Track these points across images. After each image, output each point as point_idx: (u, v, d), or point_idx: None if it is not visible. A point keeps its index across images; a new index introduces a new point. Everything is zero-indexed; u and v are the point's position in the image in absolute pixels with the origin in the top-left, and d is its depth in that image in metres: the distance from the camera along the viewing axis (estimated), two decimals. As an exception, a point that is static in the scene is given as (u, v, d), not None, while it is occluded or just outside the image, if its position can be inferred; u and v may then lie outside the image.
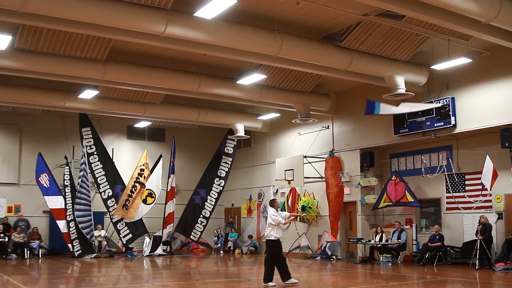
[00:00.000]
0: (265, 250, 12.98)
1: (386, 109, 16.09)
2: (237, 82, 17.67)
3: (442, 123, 17.32)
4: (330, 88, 20.86)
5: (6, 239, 21.99)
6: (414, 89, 17.26)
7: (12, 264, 19.66)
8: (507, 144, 16.05)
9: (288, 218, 13.79)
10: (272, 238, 12.89)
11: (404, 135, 18.72)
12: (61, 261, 20.81)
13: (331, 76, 17.21)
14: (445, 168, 18.30)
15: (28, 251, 22.20)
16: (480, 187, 17.11)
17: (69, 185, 21.99)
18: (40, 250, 22.55)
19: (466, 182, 17.96)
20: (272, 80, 18.44)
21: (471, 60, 15.74)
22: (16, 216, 23.35)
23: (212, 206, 25.37)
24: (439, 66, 16.36)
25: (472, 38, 14.86)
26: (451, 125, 17.13)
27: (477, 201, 17.55)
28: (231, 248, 25.96)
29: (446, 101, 17.23)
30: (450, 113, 17.10)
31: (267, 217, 13.20)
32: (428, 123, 17.72)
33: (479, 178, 16.73)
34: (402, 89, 16.21)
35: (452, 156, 18.34)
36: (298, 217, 22.90)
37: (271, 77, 18.20)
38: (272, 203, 13.46)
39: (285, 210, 23.62)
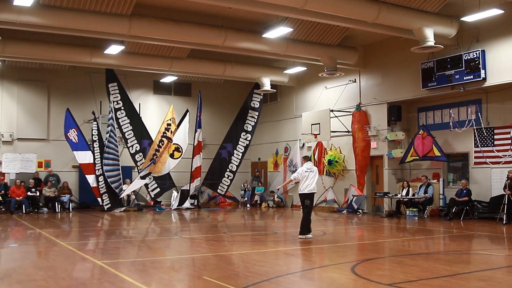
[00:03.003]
0: (307, 202, 12.98)
1: None
2: (263, 35, 17.47)
3: (472, 77, 16.98)
4: (357, 41, 20.55)
5: (38, 194, 22.52)
6: (444, 41, 16.89)
7: (44, 217, 20.13)
8: (538, 97, 15.74)
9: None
10: (315, 191, 13.16)
11: (433, 89, 18.44)
12: (91, 214, 21.25)
13: (358, 28, 16.93)
14: (473, 122, 18.05)
15: (59, 205, 22.69)
16: (510, 141, 16.89)
17: (97, 140, 22.24)
18: (70, 204, 23.07)
19: (495, 137, 17.70)
20: (299, 33, 18.22)
21: (503, 12, 15.28)
22: (46, 171, 23.81)
23: (239, 160, 25.49)
24: (469, 18, 15.91)
25: (504, -12, 14.42)
26: (481, 79, 16.79)
27: (505, 155, 17.33)
28: (258, 202, 26.19)
29: (476, 53, 16.85)
30: (480, 66, 16.74)
31: (311, 172, 13.12)
32: (457, 76, 17.40)
33: (509, 133, 16.51)
34: (431, 42, 15.90)
35: (481, 110, 18.04)
36: (325, 171, 23.04)
37: (298, 30, 17.97)
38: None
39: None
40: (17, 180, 22.10)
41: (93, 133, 22.38)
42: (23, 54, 19.45)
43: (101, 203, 22.29)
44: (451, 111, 18.90)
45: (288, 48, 18.77)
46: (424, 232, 14.87)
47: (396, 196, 19.51)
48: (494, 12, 15.16)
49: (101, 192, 22.14)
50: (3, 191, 21.78)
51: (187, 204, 24.20)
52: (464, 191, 17.68)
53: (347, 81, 22.25)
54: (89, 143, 22.55)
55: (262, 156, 28.04)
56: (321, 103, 23.32)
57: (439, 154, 18.71)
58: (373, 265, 9.38)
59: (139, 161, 23.65)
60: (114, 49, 19.17)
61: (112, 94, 23.32)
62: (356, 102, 21.71)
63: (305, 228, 12.88)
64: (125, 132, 23.60)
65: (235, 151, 25.48)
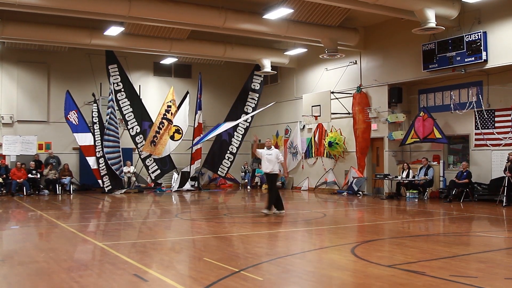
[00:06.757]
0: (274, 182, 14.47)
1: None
2: (264, 16, 17.37)
3: (473, 58, 16.90)
4: (358, 22, 20.43)
5: (38, 176, 22.56)
6: (445, 23, 16.79)
7: (45, 200, 20.18)
8: (539, 79, 15.69)
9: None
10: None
11: (433, 71, 18.36)
12: (92, 196, 21.30)
13: (359, 9, 16.81)
14: (474, 104, 17.99)
15: (60, 187, 22.75)
16: (510, 123, 16.86)
17: (97, 122, 22.22)
18: (71, 186, 23.13)
19: (496, 119, 17.67)
20: (299, 14, 18.11)
21: (505, -7, 15.20)
22: (47, 153, 23.83)
23: (239, 142, 25.42)
24: (471, -1, 15.84)
25: (507, -32, 14.30)
26: (482, 60, 16.70)
27: (506, 137, 17.32)
28: (258, 184, 26.24)
29: (478, 35, 16.76)
30: (482, 48, 16.65)
31: (271, 155, 14.37)
32: (458, 58, 17.32)
33: (509, 115, 16.49)
34: (432, 23, 15.80)
35: (482, 92, 17.99)
36: (325, 152, 23.05)
37: (298, 11, 17.86)
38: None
39: (312, 146, 23.83)
40: (18, 162, 22.13)
41: (93, 115, 22.35)
42: (22, 36, 19.34)
43: (101, 185, 22.33)
44: (452, 93, 18.85)
45: (289, 30, 18.67)
46: (424, 214, 14.91)
47: (396, 178, 19.53)
48: (496, -7, 15.06)
49: (102, 174, 22.17)
50: (4, 174, 21.83)
51: (187, 186, 24.24)
52: (464, 173, 17.69)
53: (347, 62, 22.16)
54: (89, 125, 22.54)
55: (262, 138, 27.98)
56: (322, 85, 23.26)
57: (440, 136, 18.70)
58: (373, 246, 9.42)
59: (140, 143, 23.63)
60: (114, 31, 19.08)
61: (112, 76, 23.21)
62: (357, 84, 21.65)
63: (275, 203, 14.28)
64: (125, 114, 23.54)
65: (235, 133, 25.40)
